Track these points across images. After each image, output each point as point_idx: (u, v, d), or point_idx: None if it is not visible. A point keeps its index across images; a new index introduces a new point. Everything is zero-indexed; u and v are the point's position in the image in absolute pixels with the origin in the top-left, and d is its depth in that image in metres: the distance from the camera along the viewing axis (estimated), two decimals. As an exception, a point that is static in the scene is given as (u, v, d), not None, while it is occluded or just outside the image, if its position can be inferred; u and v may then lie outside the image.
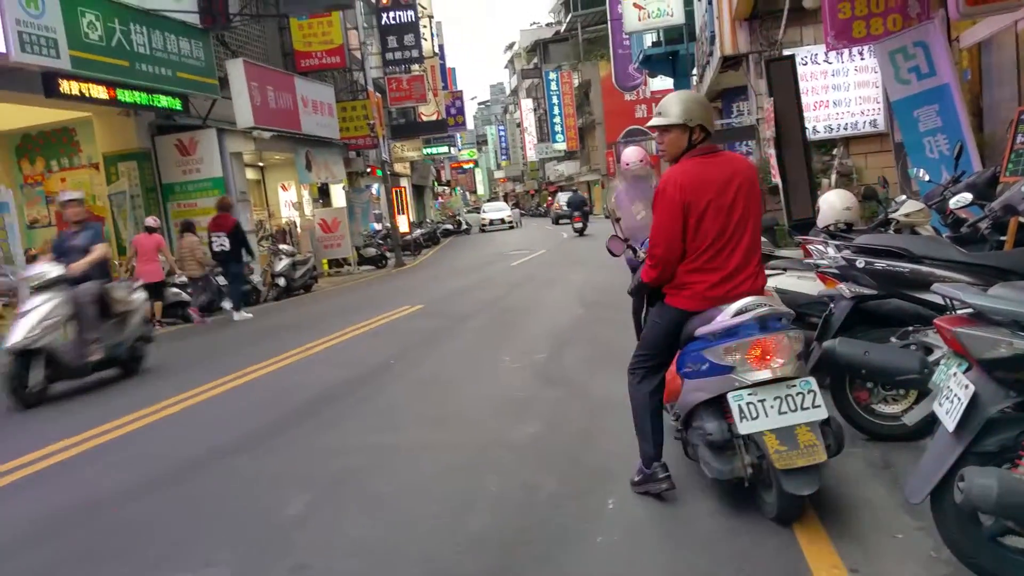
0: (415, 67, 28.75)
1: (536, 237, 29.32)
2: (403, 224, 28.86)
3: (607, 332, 7.63)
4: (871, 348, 3.51)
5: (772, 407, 2.94)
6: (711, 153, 3.27)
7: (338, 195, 23.12)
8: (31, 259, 13.54)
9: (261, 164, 19.86)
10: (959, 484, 2.18)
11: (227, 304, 12.30)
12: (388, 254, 22.07)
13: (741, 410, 2.96)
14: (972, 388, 2.30)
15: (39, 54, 10.33)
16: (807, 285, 4.74)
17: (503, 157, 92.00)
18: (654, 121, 3.35)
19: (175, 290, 12.29)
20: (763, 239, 8.61)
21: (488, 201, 64.57)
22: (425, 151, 37.96)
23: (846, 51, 11.25)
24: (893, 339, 3.69)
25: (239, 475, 4.38)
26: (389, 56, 26.38)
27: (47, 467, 4.77)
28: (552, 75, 54.24)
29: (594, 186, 51.15)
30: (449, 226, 38.11)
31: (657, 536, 3.12)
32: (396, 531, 3.36)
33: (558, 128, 55.25)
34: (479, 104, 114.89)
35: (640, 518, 3.30)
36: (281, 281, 15.36)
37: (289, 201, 20.68)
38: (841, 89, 11.41)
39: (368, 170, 26.23)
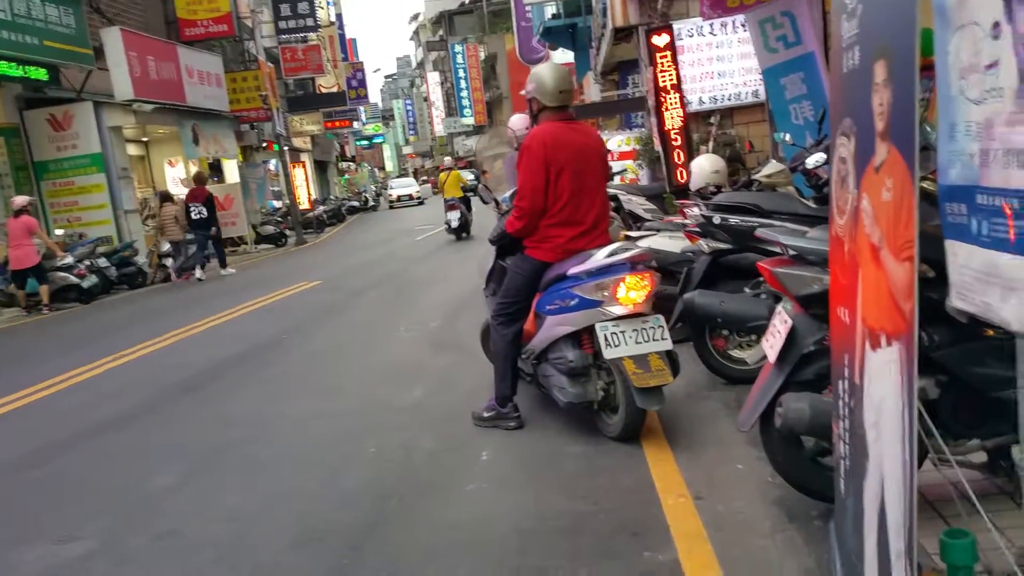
0: (311, 36, 27.85)
1: (443, 213, 29.10)
2: (305, 201, 28.10)
3: (500, 299, 7.74)
4: (726, 298, 3.76)
5: (631, 337, 3.35)
6: (569, 120, 3.66)
7: (231, 171, 22.23)
8: None
9: (145, 139, 18.85)
10: (777, 409, 2.38)
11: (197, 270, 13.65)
12: (288, 232, 21.46)
13: (607, 339, 3.34)
14: (790, 323, 2.51)
15: None
16: (676, 244, 4.97)
17: (411, 132, 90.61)
18: (524, 91, 3.72)
19: (62, 274, 11.59)
20: (652, 206, 8.93)
21: (397, 177, 63.62)
22: (328, 136, 37.02)
23: (730, 24, 11.66)
24: (746, 289, 3.94)
25: (110, 452, 4.26)
26: (282, 24, 25.41)
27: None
28: (458, 48, 53.67)
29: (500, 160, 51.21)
30: (355, 203, 37.33)
31: (524, 481, 3.26)
32: (272, 495, 3.37)
33: (466, 102, 54.85)
34: (385, 77, 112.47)
35: (510, 466, 3.44)
36: (169, 262, 14.69)
37: (177, 177, 19.73)
38: (725, 60, 11.83)
39: (264, 144, 25.31)
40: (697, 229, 4.30)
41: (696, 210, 4.70)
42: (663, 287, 4.71)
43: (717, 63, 12.04)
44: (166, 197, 14.25)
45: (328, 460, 3.76)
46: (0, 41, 11.76)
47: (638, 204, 8.85)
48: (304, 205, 27.19)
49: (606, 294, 3.39)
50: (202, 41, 19.97)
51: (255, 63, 22.18)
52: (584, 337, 3.55)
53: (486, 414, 3.90)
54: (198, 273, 13.58)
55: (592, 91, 20.75)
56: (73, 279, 11.64)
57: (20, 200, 11.41)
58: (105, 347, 7.30)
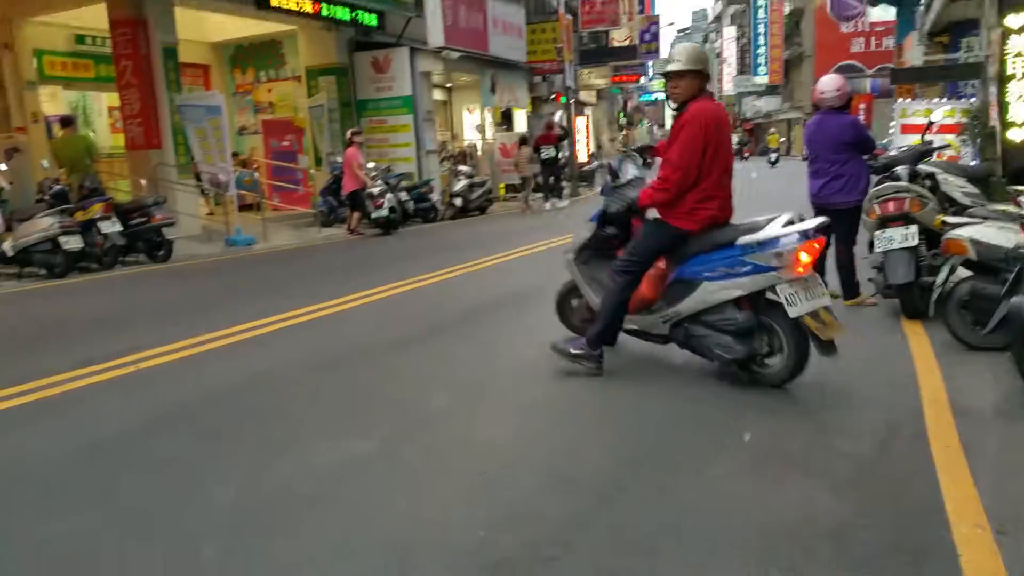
0: (611, -12, 27.82)
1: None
2: (583, 154, 28.62)
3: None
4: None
5: (803, 296, 3.66)
6: (711, 97, 3.94)
7: (520, 120, 23.32)
8: (241, 163, 15.12)
9: (449, 85, 20.41)
10: None
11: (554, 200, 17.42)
12: (564, 183, 22.08)
13: (787, 299, 3.65)
14: None
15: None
16: (1006, 237, 4.21)
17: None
18: (674, 66, 3.84)
19: (367, 203, 13.16)
20: (974, 190, 7.77)
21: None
22: (613, 91, 37.16)
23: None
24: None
25: (392, 369, 4.73)
26: (584, -24, 25.75)
27: (244, 339, 5.46)
28: (761, 1, 50.46)
29: (795, 124, 47.64)
30: (631, 159, 37.24)
31: (788, 474, 2.99)
32: (522, 436, 3.54)
33: (761, 60, 51.66)
34: (678, 32, 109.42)
35: (773, 453, 3.19)
36: (458, 201, 15.91)
37: (473, 124, 21.16)
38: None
39: (552, 96, 26.12)
40: (1040, 223, 3.59)
41: (1040, 200, 3.93)
42: (983, 284, 4.07)
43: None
44: (523, 140, 18.20)
45: (581, 412, 3.83)
46: (338, -12, 13.43)
47: (956, 186, 7.70)
48: (582, 158, 27.70)
49: (784, 260, 3.62)
50: (508, -8, 20.95)
51: (554, 15, 22.80)
52: (743, 299, 3.81)
53: (573, 350, 4.16)
54: (560, 203, 17.22)
55: (913, 53, 18.32)
56: (370, 208, 13.11)
57: (349, 132, 13.37)
58: (394, 273, 8.14)
